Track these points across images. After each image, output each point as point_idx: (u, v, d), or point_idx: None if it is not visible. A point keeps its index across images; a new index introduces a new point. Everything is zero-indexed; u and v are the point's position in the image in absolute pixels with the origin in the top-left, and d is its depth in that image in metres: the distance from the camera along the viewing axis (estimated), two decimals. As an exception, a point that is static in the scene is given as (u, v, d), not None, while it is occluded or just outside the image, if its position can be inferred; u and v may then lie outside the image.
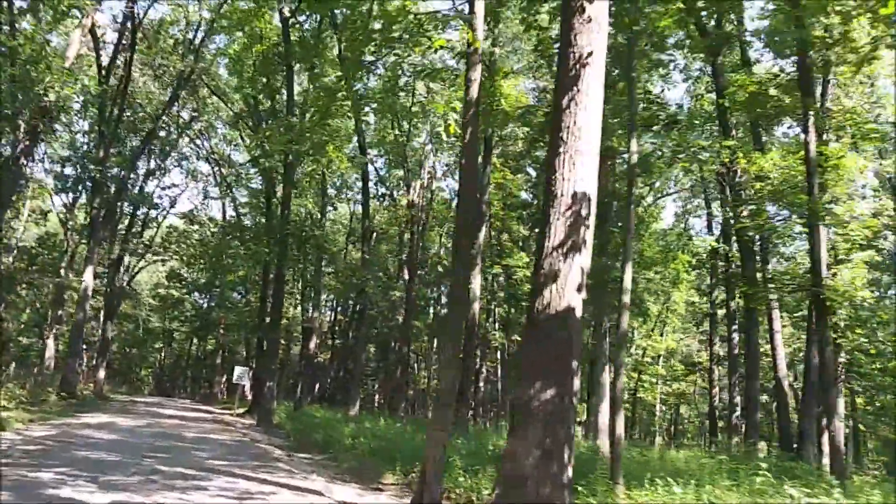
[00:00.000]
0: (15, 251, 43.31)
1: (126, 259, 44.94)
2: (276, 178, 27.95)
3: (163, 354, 64.91)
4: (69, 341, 30.22)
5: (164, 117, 31.49)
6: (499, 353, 36.74)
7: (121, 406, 29.02)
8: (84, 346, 50.63)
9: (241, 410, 31.72)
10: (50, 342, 44.08)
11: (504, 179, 29.89)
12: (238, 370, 29.33)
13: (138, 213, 41.14)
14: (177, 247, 49.63)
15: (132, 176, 32.98)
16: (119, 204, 33.19)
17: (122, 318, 64.97)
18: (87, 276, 29.40)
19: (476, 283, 27.21)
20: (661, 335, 42.99)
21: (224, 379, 53.54)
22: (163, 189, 48.01)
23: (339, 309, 49.92)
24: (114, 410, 25.37)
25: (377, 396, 70.18)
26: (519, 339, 36.02)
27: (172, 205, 48.72)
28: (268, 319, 28.43)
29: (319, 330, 45.73)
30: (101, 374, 34.66)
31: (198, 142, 45.28)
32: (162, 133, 36.70)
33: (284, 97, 27.97)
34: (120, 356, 65.76)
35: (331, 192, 34.73)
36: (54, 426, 16.25)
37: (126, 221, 38.02)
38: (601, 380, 17.75)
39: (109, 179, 28.96)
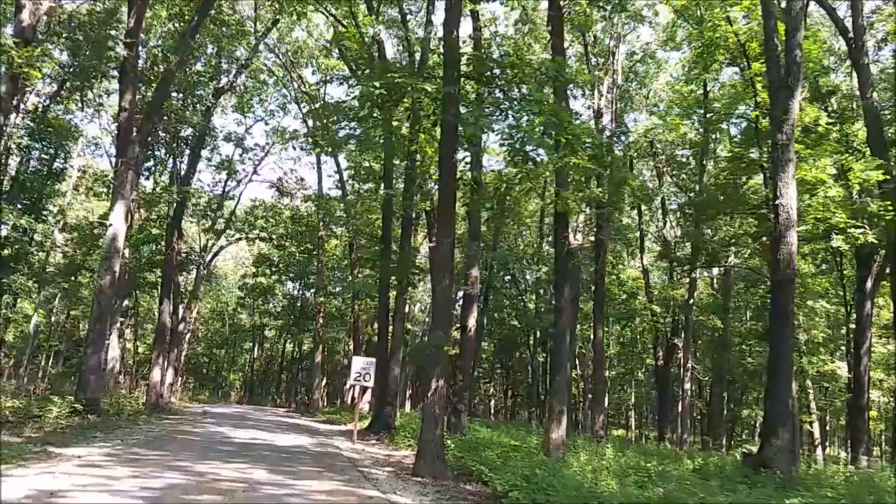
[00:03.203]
0: (61, 223, 32.53)
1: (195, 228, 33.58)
2: None
3: (253, 355, 53.63)
4: (90, 321, 18.39)
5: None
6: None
7: (170, 426, 16.80)
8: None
9: (359, 425, 18.97)
10: (113, 338, 33.09)
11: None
12: (359, 363, 16.39)
13: (207, 155, 28.87)
14: (264, 222, 38.25)
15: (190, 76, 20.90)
16: (166, 111, 21.18)
17: (206, 317, 54.49)
18: (116, 219, 17.48)
19: (790, 193, 13.88)
20: None
21: (324, 382, 41.32)
22: (244, 152, 36.80)
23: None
24: (145, 438, 13.07)
25: (492, 402, 56.90)
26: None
27: (255, 171, 37.28)
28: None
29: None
30: (159, 375, 22.81)
31: (285, 81, 33.60)
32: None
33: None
34: (208, 359, 55.10)
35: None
36: None
37: (182, 156, 25.75)
38: None
39: (146, 62, 16.90)
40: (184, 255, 26.44)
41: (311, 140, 28.04)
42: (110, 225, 17.56)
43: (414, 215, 20.94)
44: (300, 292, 45.70)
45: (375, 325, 33.11)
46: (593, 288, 21.66)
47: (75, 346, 44.51)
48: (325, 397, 40.97)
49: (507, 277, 37.41)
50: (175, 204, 23.41)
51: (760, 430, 14.74)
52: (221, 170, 35.54)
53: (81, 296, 43.31)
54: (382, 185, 21.00)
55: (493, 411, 53.73)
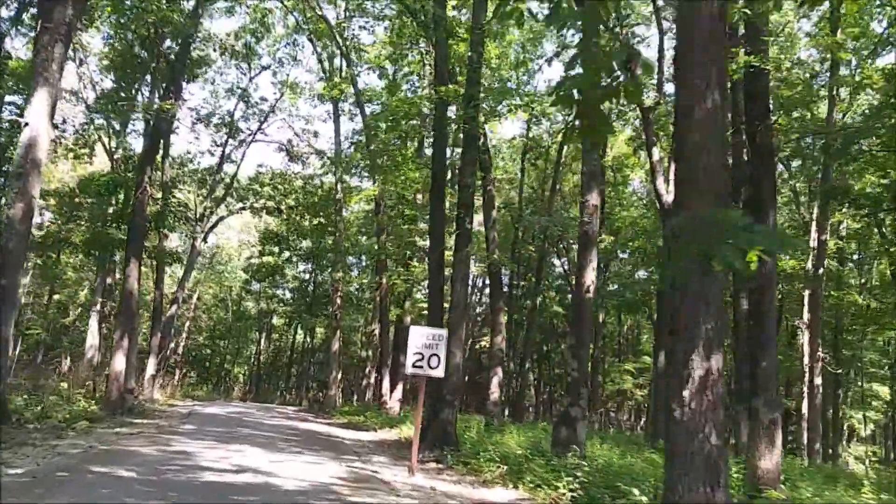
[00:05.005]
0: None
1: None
2: None
3: (259, 346, 46.91)
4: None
5: None
6: None
7: (111, 441, 9.99)
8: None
9: (396, 433, 12.29)
10: (92, 323, 26.55)
11: None
12: (420, 336, 9.33)
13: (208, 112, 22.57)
14: (271, 189, 31.70)
15: None
16: (143, 18, 14.66)
17: (209, 305, 47.84)
18: (35, 114, 10.81)
19: None
20: None
21: (339, 377, 34.43)
22: (248, 106, 30.44)
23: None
24: (21, 477, 6.41)
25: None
26: None
27: (260, 129, 30.77)
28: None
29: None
30: (123, 363, 16.03)
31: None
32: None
33: None
34: (210, 350, 48.38)
35: None
36: None
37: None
38: None
39: None
40: (160, 201, 19.62)
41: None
42: (26, 124, 10.89)
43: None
44: (312, 273, 38.98)
45: (406, 304, 26.43)
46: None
47: (59, 333, 38.09)
48: (340, 393, 34.23)
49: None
50: (150, 125, 16.63)
51: None
52: (221, 127, 29.31)
53: (66, 276, 36.86)
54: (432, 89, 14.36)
55: (504, 412, 47.15)
